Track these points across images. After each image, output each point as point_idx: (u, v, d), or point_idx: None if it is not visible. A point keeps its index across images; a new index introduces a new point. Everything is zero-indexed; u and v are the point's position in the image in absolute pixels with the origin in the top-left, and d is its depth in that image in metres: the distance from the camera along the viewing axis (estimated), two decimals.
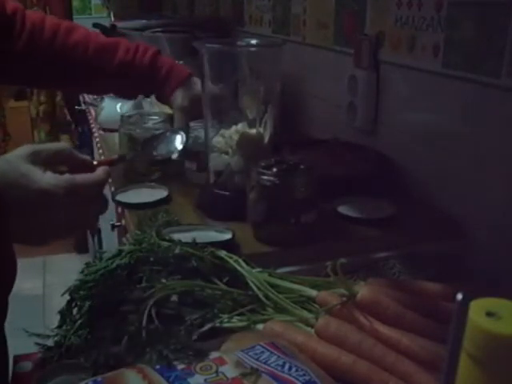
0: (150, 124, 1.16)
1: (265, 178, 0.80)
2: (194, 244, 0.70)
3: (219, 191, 0.93)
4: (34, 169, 0.57)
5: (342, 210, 0.90)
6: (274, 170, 0.81)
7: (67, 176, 0.59)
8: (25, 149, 0.59)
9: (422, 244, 0.85)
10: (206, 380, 0.51)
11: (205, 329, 0.60)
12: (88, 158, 0.66)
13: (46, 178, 0.57)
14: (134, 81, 1.02)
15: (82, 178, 0.60)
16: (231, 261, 0.68)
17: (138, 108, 1.49)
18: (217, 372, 0.52)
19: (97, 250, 0.81)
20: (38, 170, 0.57)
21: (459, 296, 0.34)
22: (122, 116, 1.17)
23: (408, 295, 0.64)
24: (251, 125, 0.95)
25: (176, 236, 0.76)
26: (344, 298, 0.63)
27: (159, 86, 1.03)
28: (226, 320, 0.62)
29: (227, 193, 0.92)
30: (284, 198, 0.80)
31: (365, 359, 0.56)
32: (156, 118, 1.18)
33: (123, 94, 1.16)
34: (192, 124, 1.16)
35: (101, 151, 1.40)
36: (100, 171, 0.63)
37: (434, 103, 0.95)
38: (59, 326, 0.64)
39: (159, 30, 1.88)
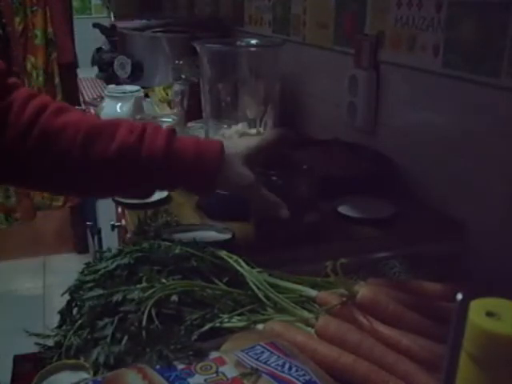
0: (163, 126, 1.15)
1: (268, 178, 0.80)
2: (194, 244, 0.70)
3: (219, 191, 0.93)
4: None
5: (342, 209, 0.90)
6: (277, 170, 0.81)
7: None
8: None
9: (422, 244, 0.85)
10: (206, 380, 0.51)
11: (205, 329, 0.60)
12: None
13: None
14: (141, 172, 0.72)
15: None
16: (231, 261, 0.68)
17: (139, 108, 1.49)
18: (217, 372, 0.52)
19: (97, 250, 0.81)
20: None
21: (459, 296, 0.35)
22: (134, 119, 1.17)
23: (408, 295, 0.64)
24: (251, 125, 0.95)
25: (176, 236, 0.76)
26: (344, 298, 0.63)
27: (184, 178, 0.74)
28: (226, 320, 0.62)
29: (227, 193, 0.92)
30: (287, 199, 0.80)
31: (365, 359, 0.56)
32: (169, 120, 1.18)
33: (125, 191, 0.79)
34: (192, 124, 1.16)
35: None
36: None
37: (434, 103, 0.95)
38: (59, 326, 0.64)
39: (159, 29, 1.88)
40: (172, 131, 0.74)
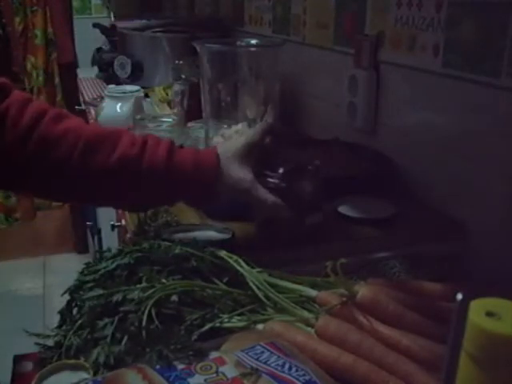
0: (163, 126, 1.15)
1: (271, 180, 0.79)
2: (194, 244, 0.70)
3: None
4: None
5: (342, 209, 0.90)
6: (280, 171, 0.80)
7: None
8: None
9: (422, 244, 0.85)
10: (206, 380, 0.51)
11: (205, 329, 0.60)
12: None
13: None
14: (142, 183, 0.72)
15: None
16: (231, 261, 0.68)
17: (139, 108, 1.49)
18: (217, 372, 0.52)
19: (97, 250, 0.81)
20: None
21: (459, 296, 0.35)
22: (135, 119, 1.17)
23: (408, 295, 0.64)
24: (251, 125, 0.95)
25: (176, 236, 0.76)
26: (344, 298, 0.63)
27: (184, 190, 0.75)
28: (226, 320, 0.62)
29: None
30: (290, 201, 0.78)
31: (365, 359, 0.56)
32: (169, 120, 1.18)
33: (125, 202, 0.78)
34: (192, 124, 1.16)
35: None
36: None
37: (434, 103, 0.95)
38: (59, 326, 0.64)
39: (159, 29, 1.88)
40: (172, 143, 0.74)
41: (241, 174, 0.74)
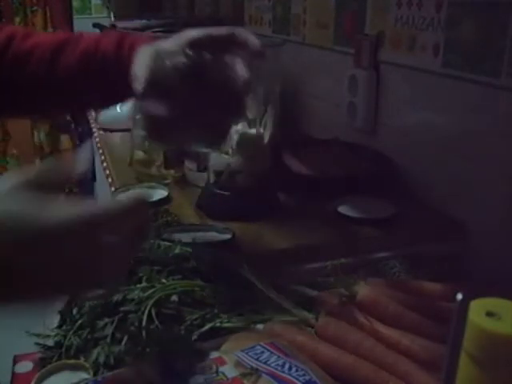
0: None
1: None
2: (194, 244, 0.70)
3: (219, 191, 0.93)
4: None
5: (342, 209, 0.90)
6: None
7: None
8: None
9: (422, 244, 0.85)
10: (206, 380, 0.51)
11: (205, 329, 0.60)
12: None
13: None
14: (99, 73, 0.72)
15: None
16: (231, 261, 0.68)
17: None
18: (217, 372, 0.52)
19: None
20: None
21: (459, 296, 0.35)
22: (134, 119, 1.17)
23: (408, 295, 0.64)
24: (251, 125, 0.95)
25: (176, 236, 0.76)
26: (344, 298, 0.63)
27: (123, 70, 0.70)
28: (225, 320, 0.62)
29: (227, 193, 0.92)
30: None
31: (365, 359, 0.56)
32: None
33: (92, 96, 0.76)
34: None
35: (101, 151, 1.40)
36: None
37: (434, 103, 0.95)
38: (59, 326, 0.64)
39: (159, 29, 1.88)
40: (126, 33, 0.76)
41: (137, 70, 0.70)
